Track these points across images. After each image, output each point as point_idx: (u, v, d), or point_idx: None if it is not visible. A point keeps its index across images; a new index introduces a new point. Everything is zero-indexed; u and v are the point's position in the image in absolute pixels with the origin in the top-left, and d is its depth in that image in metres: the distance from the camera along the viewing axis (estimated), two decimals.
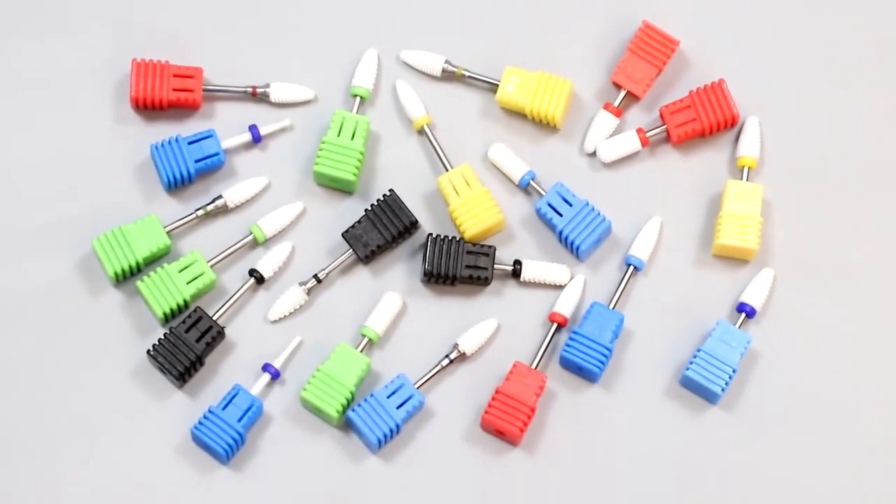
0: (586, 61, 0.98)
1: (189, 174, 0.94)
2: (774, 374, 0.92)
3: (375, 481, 0.90)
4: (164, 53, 0.97)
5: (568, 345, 0.90)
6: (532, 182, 0.95)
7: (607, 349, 0.90)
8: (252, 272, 0.93)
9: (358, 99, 0.96)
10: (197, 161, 0.94)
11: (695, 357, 0.90)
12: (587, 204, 0.93)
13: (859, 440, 0.91)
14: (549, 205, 0.93)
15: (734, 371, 0.90)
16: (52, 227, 0.94)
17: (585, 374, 0.91)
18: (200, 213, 0.94)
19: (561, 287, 0.93)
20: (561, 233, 0.93)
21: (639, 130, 0.96)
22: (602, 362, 0.90)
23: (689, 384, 0.91)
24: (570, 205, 0.93)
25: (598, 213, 0.93)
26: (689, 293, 0.93)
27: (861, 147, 0.97)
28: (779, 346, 0.92)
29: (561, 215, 0.93)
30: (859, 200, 0.95)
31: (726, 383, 0.90)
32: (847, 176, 0.96)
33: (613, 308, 0.92)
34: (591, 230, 0.93)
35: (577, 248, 0.93)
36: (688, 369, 0.90)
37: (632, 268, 0.93)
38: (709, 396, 0.91)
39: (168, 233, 0.93)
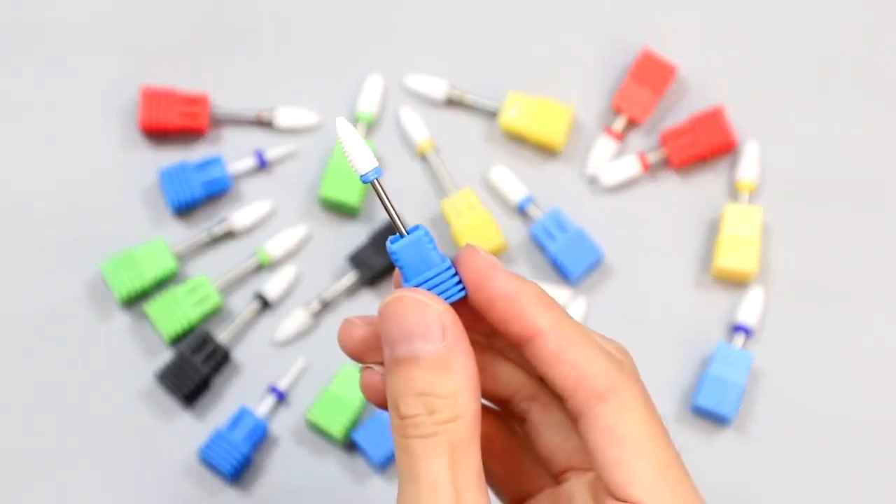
0: (588, 86, 0.99)
1: (196, 198, 0.95)
2: (776, 394, 0.92)
3: (380, 502, 0.90)
4: (171, 78, 0.98)
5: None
6: (530, 205, 0.95)
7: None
8: (258, 295, 0.94)
9: (362, 124, 0.97)
10: (204, 185, 0.95)
11: (702, 383, 0.91)
12: (581, 231, 0.94)
13: (868, 456, 0.91)
14: (544, 229, 0.94)
15: (743, 392, 0.91)
16: (62, 250, 0.95)
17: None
18: (207, 237, 0.95)
19: None
20: (554, 258, 0.94)
21: (639, 155, 0.97)
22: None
23: (700, 411, 0.91)
24: (565, 231, 0.94)
25: (591, 242, 0.94)
26: (690, 315, 0.94)
27: (859, 169, 0.97)
28: (781, 367, 0.93)
29: (555, 240, 0.94)
30: (858, 222, 0.96)
31: (737, 405, 0.90)
32: (846, 198, 0.96)
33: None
34: (583, 257, 0.94)
35: (568, 274, 0.94)
36: (698, 396, 0.90)
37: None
38: (720, 420, 0.91)
39: (175, 256, 0.94)
